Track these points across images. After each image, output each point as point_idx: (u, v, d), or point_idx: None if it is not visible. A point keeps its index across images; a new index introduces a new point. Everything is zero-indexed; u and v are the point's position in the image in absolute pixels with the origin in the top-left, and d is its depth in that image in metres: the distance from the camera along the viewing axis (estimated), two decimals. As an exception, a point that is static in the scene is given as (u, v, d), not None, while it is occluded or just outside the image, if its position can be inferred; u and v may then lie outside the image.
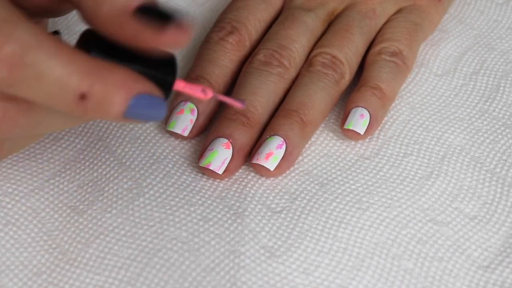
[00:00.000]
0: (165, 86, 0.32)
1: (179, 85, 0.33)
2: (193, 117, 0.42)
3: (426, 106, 0.45)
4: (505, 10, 0.50)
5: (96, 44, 0.31)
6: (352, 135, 0.42)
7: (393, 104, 0.45)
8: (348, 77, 0.44)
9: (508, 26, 0.49)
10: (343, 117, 0.42)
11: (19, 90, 0.29)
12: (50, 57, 0.28)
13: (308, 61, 0.44)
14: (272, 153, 0.40)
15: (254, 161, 0.40)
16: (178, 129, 0.42)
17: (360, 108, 0.42)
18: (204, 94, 0.34)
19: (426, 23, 0.46)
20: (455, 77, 0.46)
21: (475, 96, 0.45)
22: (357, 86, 0.43)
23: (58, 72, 0.28)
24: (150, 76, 0.31)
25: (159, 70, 0.32)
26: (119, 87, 0.30)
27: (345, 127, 0.42)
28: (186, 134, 0.42)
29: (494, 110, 0.45)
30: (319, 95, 0.42)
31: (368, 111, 0.42)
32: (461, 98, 0.45)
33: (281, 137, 0.40)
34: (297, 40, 0.44)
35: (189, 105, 0.42)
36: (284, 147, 0.40)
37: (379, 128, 0.43)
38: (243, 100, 0.37)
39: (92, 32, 0.31)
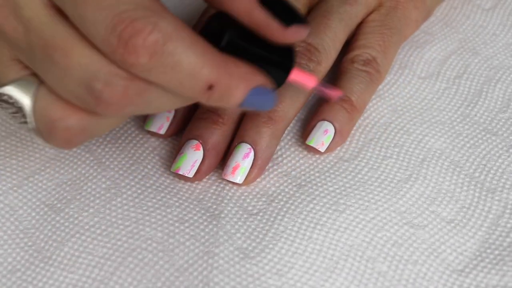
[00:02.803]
0: (280, 77, 0.35)
1: (292, 75, 0.36)
2: (170, 115, 0.42)
3: (408, 108, 0.45)
4: (491, 16, 0.50)
5: (227, 27, 0.33)
6: (313, 151, 0.42)
7: (375, 106, 0.45)
8: (325, 64, 0.43)
9: (493, 32, 0.49)
10: (307, 130, 0.42)
11: (154, 76, 0.31)
12: (187, 48, 0.30)
13: None
14: (239, 165, 0.40)
15: (223, 175, 0.40)
16: (154, 128, 0.42)
17: (325, 122, 0.42)
18: (311, 82, 0.37)
19: (403, 23, 0.46)
20: (438, 80, 0.46)
21: (458, 100, 0.45)
22: None
23: (192, 62, 0.31)
24: (270, 63, 0.34)
25: (279, 59, 0.34)
26: (241, 80, 0.32)
27: (307, 142, 0.42)
28: (162, 132, 0.42)
29: (475, 115, 0.45)
30: (289, 87, 0.41)
31: (334, 126, 0.42)
32: (444, 102, 0.45)
33: (248, 143, 0.40)
34: None
35: None
36: (251, 155, 0.40)
37: (346, 142, 0.43)
38: (339, 91, 0.41)
39: (223, 14, 0.33)
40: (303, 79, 0.37)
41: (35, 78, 0.33)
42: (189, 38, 0.31)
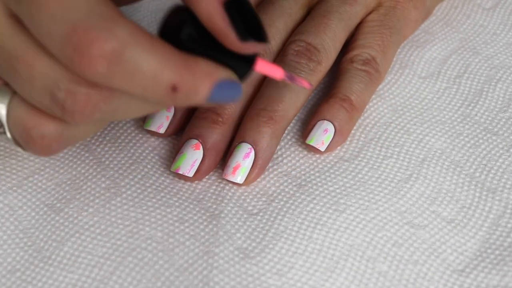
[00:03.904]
0: (243, 68, 0.34)
1: (257, 67, 0.34)
2: (169, 114, 0.42)
3: (408, 108, 0.45)
4: (492, 15, 0.50)
5: (187, 23, 0.32)
6: (313, 150, 0.42)
7: (375, 106, 0.45)
8: (325, 63, 0.43)
9: (494, 32, 0.49)
10: (307, 129, 0.42)
11: (115, 83, 0.30)
12: (146, 53, 0.30)
13: (282, 50, 0.43)
14: (239, 165, 0.40)
15: (223, 175, 0.40)
16: (153, 127, 0.42)
17: (325, 122, 0.42)
18: (279, 74, 0.35)
19: (402, 23, 0.46)
20: (438, 80, 0.46)
21: (458, 99, 0.45)
22: (326, 97, 0.43)
23: (153, 66, 0.30)
24: (231, 56, 0.33)
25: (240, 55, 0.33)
26: (204, 77, 0.31)
27: (307, 141, 0.42)
28: (162, 131, 0.42)
29: (476, 115, 0.44)
30: (289, 87, 0.41)
31: (334, 125, 0.42)
32: (444, 101, 0.45)
33: (248, 143, 0.40)
34: (272, 25, 0.43)
35: None
36: (252, 154, 0.40)
37: (346, 141, 0.43)
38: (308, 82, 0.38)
39: (182, 9, 0.32)
40: (270, 70, 0.35)
41: (8, 88, 0.33)
42: (146, 42, 0.30)
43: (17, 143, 0.34)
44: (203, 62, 0.32)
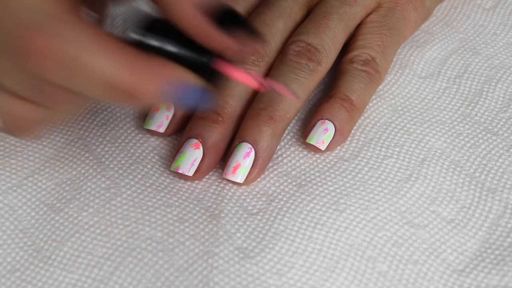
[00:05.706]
0: (209, 74, 0.33)
1: (235, 74, 0.34)
2: (169, 113, 0.42)
3: (408, 108, 0.45)
4: (491, 15, 0.50)
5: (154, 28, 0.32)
6: (313, 149, 0.42)
7: (375, 106, 0.45)
8: (325, 63, 0.43)
9: (494, 32, 0.49)
10: (307, 128, 0.42)
11: (52, 79, 0.31)
12: (84, 48, 0.30)
13: (282, 50, 0.43)
14: (240, 164, 0.40)
15: (223, 175, 0.40)
16: (153, 126, 0.42)
17: (326, 121, 0.42)
18: (255, 81, 0.35)
19: (402, 24, 0.46)
20: (438, 80, 0.46)
21: (458, 99, 0.45)
22: (326, 97, 0.43)
23: (90, 63, 0.30)
24: (196, 61, 0.32)
25: (205, 56, 0.33)
26: (153, 75, 0.31)
27: (307, 141, 0.41)
28: (162, 130, 0.42)
29: (476, 115, 0.44)
30: (289, 87, 0.41)
31: (334, 124, 0.42)
32: (444, 101, 0.45)
33: (249, 143, 0.40)
34: (271, 25, 0.43)
35: None
36: (252, 154, 0.40)
37: (346, 141, 0.43)
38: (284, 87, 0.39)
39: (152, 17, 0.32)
40: (246, 78, 0.35)
41: None
42: (88, 38, 0.30)
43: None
44: (156, 63, 0.31)
